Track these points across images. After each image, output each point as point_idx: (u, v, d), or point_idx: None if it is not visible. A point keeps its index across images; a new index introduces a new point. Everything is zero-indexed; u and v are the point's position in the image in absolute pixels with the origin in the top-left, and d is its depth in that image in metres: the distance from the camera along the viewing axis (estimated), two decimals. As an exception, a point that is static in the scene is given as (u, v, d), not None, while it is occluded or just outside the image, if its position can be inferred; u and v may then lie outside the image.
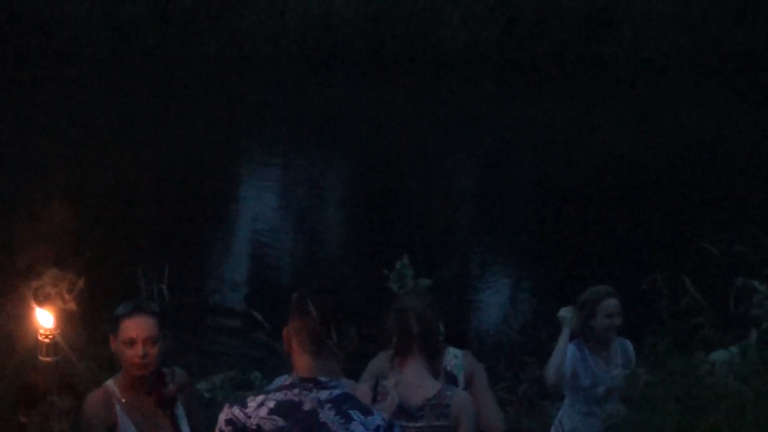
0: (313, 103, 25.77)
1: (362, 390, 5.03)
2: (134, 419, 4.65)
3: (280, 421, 3.53)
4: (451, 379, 5.34)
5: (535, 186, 19.64)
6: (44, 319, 3.94)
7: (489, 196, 19.19)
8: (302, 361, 3.60)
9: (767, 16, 31.38)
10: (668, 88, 27.99)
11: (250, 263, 14.94)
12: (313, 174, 20.32)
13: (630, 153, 20.97)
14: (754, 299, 5.53)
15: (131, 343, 4.64)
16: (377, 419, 3.62)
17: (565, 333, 6.38)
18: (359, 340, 3.64)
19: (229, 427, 3.58)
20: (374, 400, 4.95)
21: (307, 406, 3.51)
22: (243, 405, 3.60)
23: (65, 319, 4.34)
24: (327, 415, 3.50)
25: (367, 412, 3.60)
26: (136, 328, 4.65)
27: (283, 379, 3.70)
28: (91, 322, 5.60)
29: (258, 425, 3.55)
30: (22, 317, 5.17)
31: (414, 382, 5.01)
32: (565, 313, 6.42)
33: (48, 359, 3.94)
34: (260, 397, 3.61)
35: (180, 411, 4.73)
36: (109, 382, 4.75)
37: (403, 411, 4.93)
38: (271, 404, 3.56)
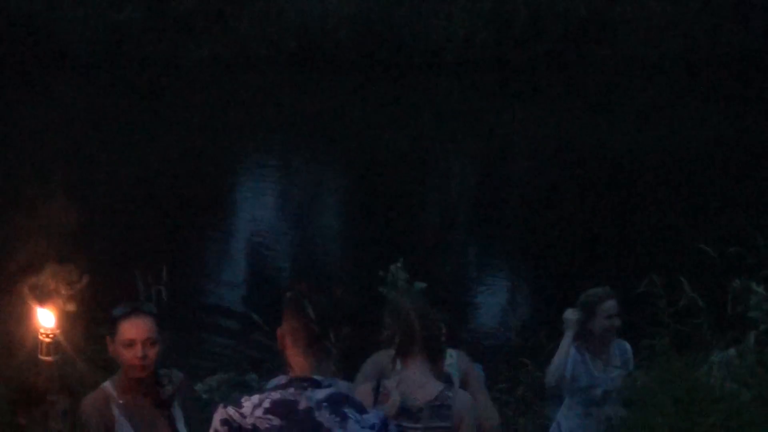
0: (309, 105, 25.77)
1: (364, 390, 5.04)
2: (132, 421, 4.64)
3: (276, 421, 3.53)
4: (447, 379, 5.35)
5: (532, 187, 19.64)
6: (45, 318, 3.93)
7: (486, 197, 19.20)
8: (297, 361, 3.59)
9: (762, 18, 31.41)
10: (664, 89, 28.01)
11: (247, 265, 14.95)
12: (310, 176, 20.32)
13: (626, 154, 20.99)
14: (751, 301, 5.54)
15: (130, 344, 4.62)
16: (373, 418, 3.62)
17: (569, 335, 6.37)
18: (353, 340, 3.64)
19: (225, 428, 3.58)
20: (376, 400, 4.95)
21: (302, 406, 3.50)
22: (238, 405, 3.61)
23: (64, 319, 4.33)
24: (322, 415, 3.50)
25: (362, 410, 3.60)
26: (136, 329, 4.63)
27: (278, 379, 3.70)
28: (88, 322, 5.59)
29: (254, 425, 3.54)
30: (20, 317, 5.16)
31: (416, 382, 5.01)
32: (569, 315, 6.41)
33: (48, 358, 3.93)
34: (255, 397, 3.61)
35: (177, 412, 4.73)
36: (107, 384, 4.73)
37: (404, 411, 4.93)
38: (267, 404, 3.56)
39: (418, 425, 4.90)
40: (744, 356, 5.27)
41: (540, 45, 31.14)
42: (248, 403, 3.60)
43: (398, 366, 5.15)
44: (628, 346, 6.63)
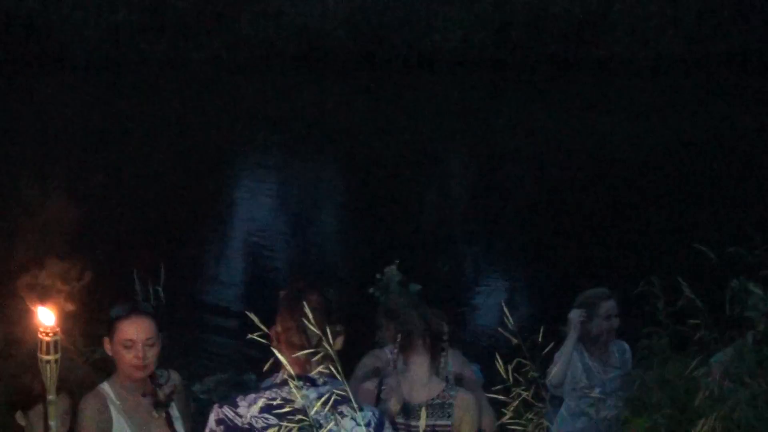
0: (308, 106, 25.77)
1: (367, 388, 5.05)
2: (129, 421, 4.63)
3: (272, 420, 3.54)
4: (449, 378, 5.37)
5: (531, 188, 19.65)
6: (45, 316, 3.91)
7: (484, 198, 19.20)
8: (292, 359, 3.59)
9: (759, 19, 31.44)
10: (662, 90, 28.03)
11: (245, 264, 14.95)
12: (309, 176, 20.32)
13: (624, 155, 21.00)
14: (749, 301, 5.53)
15: (130, 345, 4.59)
16: (368, 415, 3.63)
17: (573, 335, 6.36)
18: (348, 340, 3.64)
19: (221, 427, 3.58)
20: (379, 397, 4.97)
21: (298, 404, 3.51)
22: (233, 405, 3.61)
23: (64, 318, 4.32)
24: (318, 412, 3.51)
25: (357, 408, 3.60)
26: (135, 329, 4.60)
27: (273, 378, 3.70)
28: (86, 323, 5.59)
29: (250, 424, 3.55)
30: (19, 316, 5.15)
31: (418, 380, 5.03)
32: (574, 315, 6.40)
33: (49, 357, 3.91)
34: (251, 396, 3.62)
35: (175, 412, 4.72)
36: (104, 385, 4.71)
37: (406, 409, 4.95)
38: (262, 403, 3.57)
39: (420, 423, 4.90)
40: (742, 356, 5.27)
41: (538, 46, 31.16)
42: (244, 402, 3.60)
43: (401, 364, 5.16)
44: (627, 346, 6.63)
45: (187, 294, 12.29)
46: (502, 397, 4.26)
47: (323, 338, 3.45)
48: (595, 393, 6.35)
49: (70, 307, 5.24)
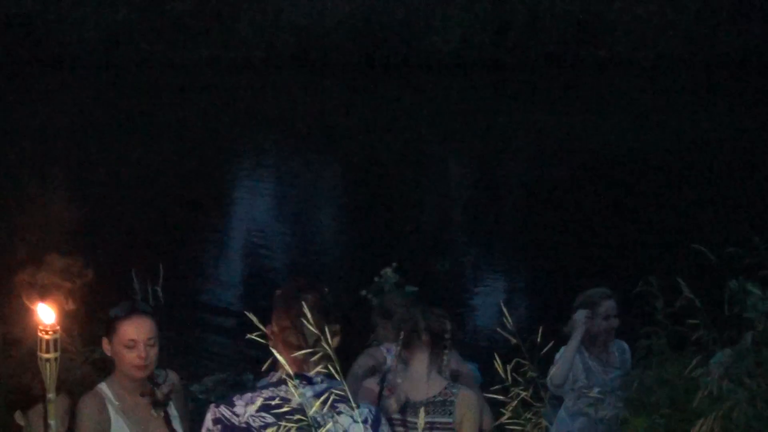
0: (307, 106, 25.77)
1: (370, 385, 5.07)
2: (128, 422, 4.62)
3: (270, 418, 3.54)
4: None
5: (530, 188, 19.66)
6: (45, 314, 3.89)
7: (484, 198, 19.21)
8: (289, 358, 3.58)
9: (759, 19, 31.45)
10: (661, 90, 28.03)
11: (243, 264, 14.96)
12: (307, 176, 20.32)
13: (624, 155, 21.00)
14: (748, 301, 5.53)
15: (132, 345, 4.58)
16: (365, 411, 3.64)
17: (577, 336, 6.35)
18: (344, 339, 3.64)
19: (218, 426, 3.58)
20: (381, 395, 4.98)
21: (295, 402, 3.51)
22: (230, 404, 3.61)
23: (64, 316, 4.30)
24: (315, 411, 3.50)
25: (354, 405, 3.60)
26: (137, 329, 4.59)
27: (270, 377, 3.70)
28: (85, 322, 5.57)
29: (247, 423, 3.55)
30: (18, 317, 5.14)
31: (420, 378, 5.04)
32: (579, 316, 6.39)
33: (48, 356, 3.89)
34: (247, 396, 3.62)
35: (173, 411, 4.72)
36: (102, 385, 4.70)
37: (408, 406, 4.96)
38: (260, 402, 3.57)
39: (419, 422, 4.91)
40: (741, 356, 5.26)
41: (537, 46, 31.16)
42: (240, 401, 3.60)
43: (403, 361, 5.17)
44: (626, 346, 6.63)
45: (186, 294, 12.29)
46: (501, 397, 4.26)
47: (321, 337, 3.44)
48: (594, 393, 6.34)
49: (71, 305, 5.22)
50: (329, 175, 21.16)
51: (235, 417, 3.57)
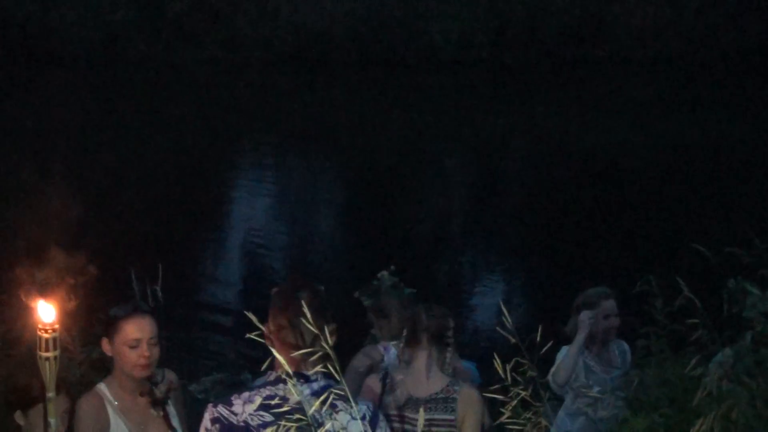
0: (306, 106, 25.77)
1: (372, 381, 5.07)
2: (127, 421, 4.62)
3: (268, 417, 3.54)
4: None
5: (529, 187, 19.66)
6: (45, 312, 3.87)
7: (483, 197, 19.21)
8: (286, 356, 3.57)
9: (759, 19, 31.46)
10: (660, 90, 28.04)
11: (242, 264, 14.96)
12: (306, 175, 20.32)
13: (623, 154, 21.01)
14: (747, 301, 5.52)
15: (135, 344, 4.58)
16: (363, 408, 3.64)
17: (581, 336, 6.35)
18: (340, 337, 3.63)
19: (216, 426, 3.58)
20: (383, 391, 4.98)
21: (293, 401, 3.51)
22: (228, 403, 3.61)
23: (64, 315, 4.29)
24: (314, 408, 3.50)
25: (352, 402, 3.60)
26: (140, 329, 4.59)
27: (267, 376, 3.70)
28: (84, 322, 5.57)
29: (245, 422, 3.55)
30: (16, 316, 5.13)
31: (422, 375, 5.05)
32: (584, 316, 6.38)
33: (48, 354, 3.88)
34: (245, 395, 3.62)
35: (172, 410, 4.72)
36: (101, 385, 4.69)
37: (410, 403, 4.96)
38: (258, 400, 3.57)
39: (419, 421, 4.91)
40: (740, 356, 5.26)
41: (537, 45, 31.17)
42: (238, 400, 3.60)
43: (405, 358, 5.18)
44: (626, 346, 6.63)
45: (185, 294, 12.29)
46: (500, 397, 4.26)
47: (319, 336, 3.44)
48: (593, 392, 6.34)
49: (72, 302, 5.21)
50: (328, 174, 21.16)
51: (233, 416, 3.57)
